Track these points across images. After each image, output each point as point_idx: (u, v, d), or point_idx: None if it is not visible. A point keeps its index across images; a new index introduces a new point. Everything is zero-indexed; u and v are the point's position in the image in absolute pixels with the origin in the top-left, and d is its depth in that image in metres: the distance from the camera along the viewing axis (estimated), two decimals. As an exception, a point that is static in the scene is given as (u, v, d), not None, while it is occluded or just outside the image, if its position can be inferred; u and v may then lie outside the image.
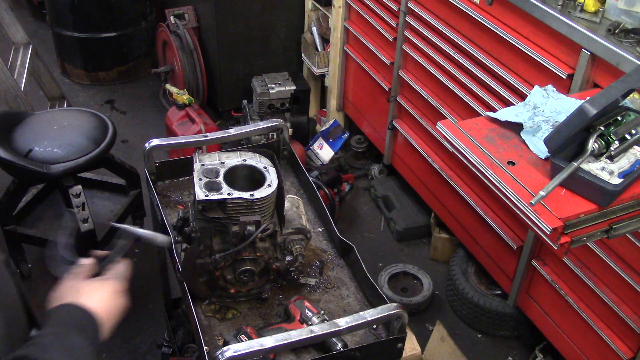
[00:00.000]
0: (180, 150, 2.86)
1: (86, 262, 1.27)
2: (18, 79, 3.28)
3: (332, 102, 3.84)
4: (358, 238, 3.32)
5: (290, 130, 3.50)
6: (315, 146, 3.64)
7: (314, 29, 3.79)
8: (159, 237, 1.37)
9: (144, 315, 2.87)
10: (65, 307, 1.13)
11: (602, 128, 1.41)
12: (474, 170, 1.51)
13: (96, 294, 1.18)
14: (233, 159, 1.71)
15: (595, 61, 2.04)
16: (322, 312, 1.66)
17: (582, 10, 2.12)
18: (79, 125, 2.78)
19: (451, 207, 2.96)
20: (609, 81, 1.77)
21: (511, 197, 1.40)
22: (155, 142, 1.95)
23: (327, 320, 1.59)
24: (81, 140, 2.69)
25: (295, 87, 3.57)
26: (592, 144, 1.39)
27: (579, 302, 2.29)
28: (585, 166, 1.39)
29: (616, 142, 1.41)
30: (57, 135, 2.70)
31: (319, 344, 1.59)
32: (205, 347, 1.58)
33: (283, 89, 3.55)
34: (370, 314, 1.53)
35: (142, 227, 2.92)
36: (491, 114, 1.63)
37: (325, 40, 3.77)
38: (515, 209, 1.40)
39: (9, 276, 1.18)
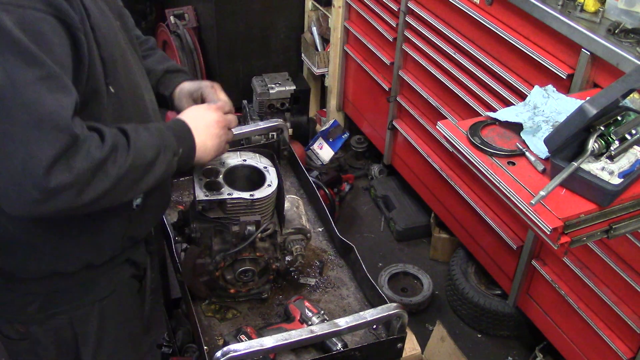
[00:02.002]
0: (180, 150, 2.85)
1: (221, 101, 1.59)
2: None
3: (332, 102, 3.84)
4: (358, 238, 3.32)
5: (290, 130, 3.50)
6: (315, 146, 3.64)
7: (314, 29, 3.79)
8: None
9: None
10: (176, 120, 1.44)
11: (602, 128, 1.40)
12: (474, 170, 1.51)
13: (191, 111, 1.49)
14: (233, 159, 1.72)
15: (595, 61, 2.04)
16: (322, 312, 1.66)
17: (582, 10, 2.12)
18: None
19: (451, 207, 2.96)
20: (609, 81, 1.77)
21: (511, 197, 1.40)
22: (155, 142, 1.95)
23: (327, 320, 1.59)
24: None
25: (295, 87, 3.57)
26: (592, 144, 1.39)
27: (579, 302, 2.29)
28: (585, 166, 1.39)
29: (616, 142, 1.40)
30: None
31: (319, 344, 1.59)
32: (205, 347, 1.58)
33: (283, 89, 3.55)
34: (370, 314, 1.53)
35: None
36: (491, 114, 1.62)
37: (325, 40, 3.77)
38: (515, 209, 1.40)
39: None
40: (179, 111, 1.64)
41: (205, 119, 1.45)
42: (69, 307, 1.46)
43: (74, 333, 1.48)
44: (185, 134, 1.39)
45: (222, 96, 1.62)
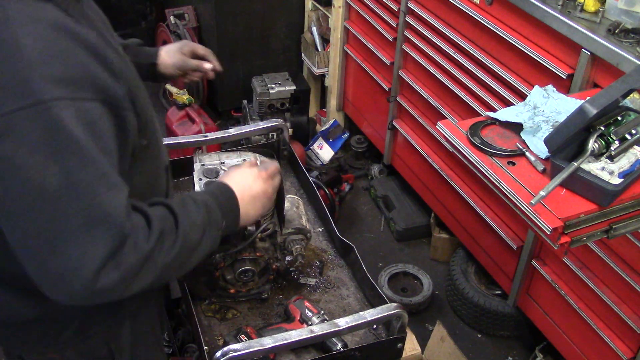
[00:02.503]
0: (180, 150, 2.86)
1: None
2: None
3: (332, 102, 3.84)
4: (358, 238, 3.32)
5: (290, 130, 3.50)
6: (315, 146, 3.64)
7: (314, 29, 3.79)
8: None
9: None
10: (223, 188, 1.36)
11: (602, 128, 1.41)
12: (474, 170, 1.51)
13: (240, 176, 1.40)
14: (233, 159, 1.72)
15: (595, 61, 2.04)
16: (322, 312, 1.66)
17: (582, 10, 2.12)
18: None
19: (451, 207, 2.96)
20: (609, 81, 1.77)
21: (511, 197, 1.40)
22: (155, 142, 1.95)
23: (327, 320, 1.59)
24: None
25: (295, 87, 3.57)
26: (592, 144, 1.39)
27: (579, 302, 2.29)
28: (585, 166, 1.39)
29: (616, 142, 1.41)
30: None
31: (319, 344, 1.59)
32: (205, 347, 1.58)
33: (283, 89, 3.55)
34: (370, 314, 1.53)
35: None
36: (491, 114, 1.63)
37: (325, 40, 3.77)
38: (515, 209, 1.40)
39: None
40: (166, 70, 1.71)
41: (253, 189, 1.39)
42: (103, 325, 1.42)
43: (110, 350, 1.44)
44: (231, 207, 1.32)
45: (202, 51, 1.75)
